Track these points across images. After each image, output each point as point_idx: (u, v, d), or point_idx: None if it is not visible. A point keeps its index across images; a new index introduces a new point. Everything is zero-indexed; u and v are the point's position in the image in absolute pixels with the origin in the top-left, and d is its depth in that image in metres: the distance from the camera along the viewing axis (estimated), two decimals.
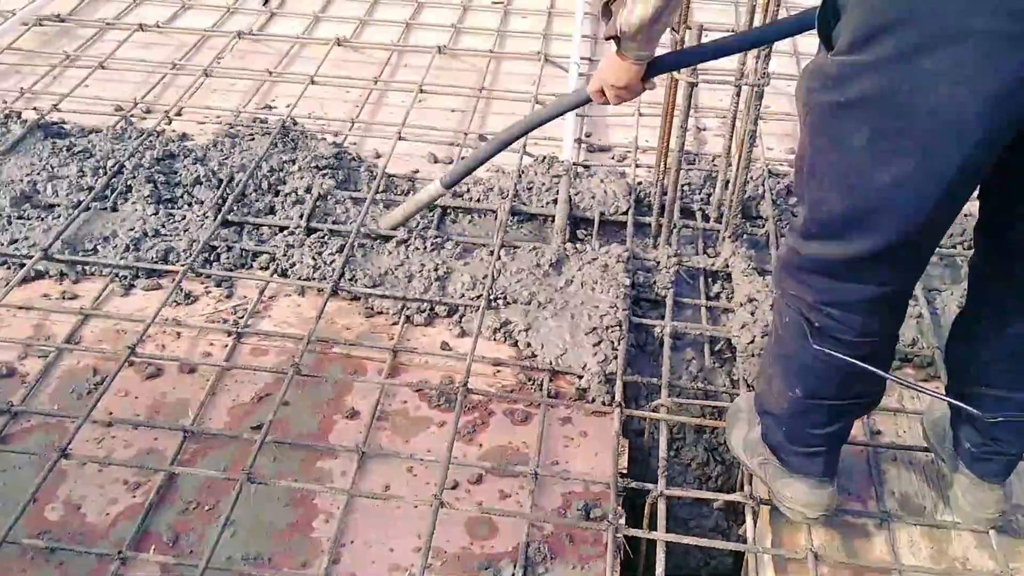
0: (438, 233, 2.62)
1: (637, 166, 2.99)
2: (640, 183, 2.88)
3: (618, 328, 2.29)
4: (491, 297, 2.39)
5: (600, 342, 2.26)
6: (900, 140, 1.33)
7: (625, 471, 2.01)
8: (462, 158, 2.79)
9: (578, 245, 2.59)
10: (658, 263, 2.56)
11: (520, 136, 2.36)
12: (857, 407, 1.76)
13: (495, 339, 2.32)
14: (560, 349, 2.27)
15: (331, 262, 2.48)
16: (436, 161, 3.02)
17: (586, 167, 2.98)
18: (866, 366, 1.58)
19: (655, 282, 2.51)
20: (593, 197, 2.78)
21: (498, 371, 2.25)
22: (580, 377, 2.22)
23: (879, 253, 1.46)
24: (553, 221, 2.69)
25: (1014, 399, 1.69)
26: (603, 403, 2.15)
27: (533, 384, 2.21)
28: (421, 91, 3.36)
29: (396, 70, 3.57)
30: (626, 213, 2.75)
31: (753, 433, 1.90)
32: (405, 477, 1.98)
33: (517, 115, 3.23)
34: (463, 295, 2.41)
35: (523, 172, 2.87)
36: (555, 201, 2.75)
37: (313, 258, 2.49)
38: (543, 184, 2.82)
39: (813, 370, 1.65)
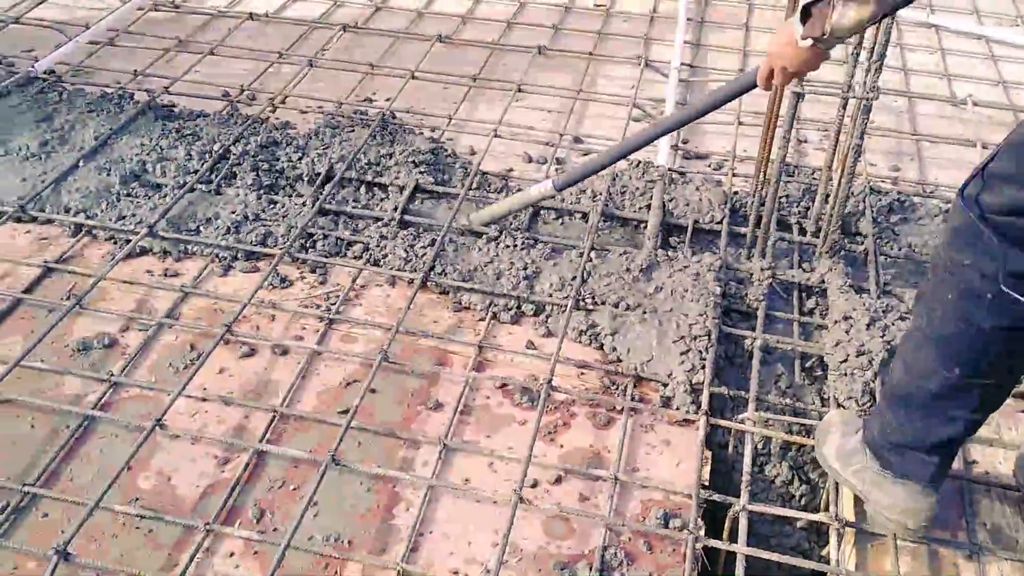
0: (529, 233, 2.63)
1: (734, 175, 2.95)
2: (736, 192, 2.84)
3: (707, 338, 2.26)
4: (579, 298, 2.38)
5: (688, 351, 2.24)
6: None
7: (707, 483, 1.99)
8: (576, 162, 2.76)
9: (670, 252, 2.57)
10: (751, 275, 2.52)
11: (655, 137, 2.35)
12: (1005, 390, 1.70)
13: (580, 341, 2.31)
14: (646, 355, 2.25)
15: (422, 255, 2.51)
16: (530, 160, 3.02)
17: (681, 174, 2.95)
18: None
19: (747, 294, 2.47)
20: (687, 204, 2.75)
21: (582, 373, 2.24)
22: (665, 385, 2.19)
23: None
24: (645, 226, 2.67)
25: None
26: (688, 413, 2.13)
27: (617, 389, 2.20)
28: (519, 90, 3.37)
29: (495, 68, 3.59)
30: (721, 222, 2.71)
31: (850, 443, 1.88)
32: (485, 472, 1.99)
33: (614, 118, 3.23)
34: (551, 295, 2.41)
35: (617, 176, 2.85)
36: (648, 206, 2.73)
37: (405, 250, 2.52)
38: (637, 189, 2.80)
39: (978, 346, 1.59)
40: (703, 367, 2.20)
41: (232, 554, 1.80)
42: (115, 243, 2.56)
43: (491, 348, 2.29)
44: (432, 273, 2.46)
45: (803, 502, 2.13)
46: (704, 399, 2.13)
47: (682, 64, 3.54)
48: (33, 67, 3.28)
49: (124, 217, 2.61)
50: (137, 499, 1.88)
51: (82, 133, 2.91)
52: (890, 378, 1.79)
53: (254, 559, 1.79)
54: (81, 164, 2.76)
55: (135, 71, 3.39)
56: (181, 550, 1.79)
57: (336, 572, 1.78)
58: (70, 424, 2.02)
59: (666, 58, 3.58)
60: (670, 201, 2.77)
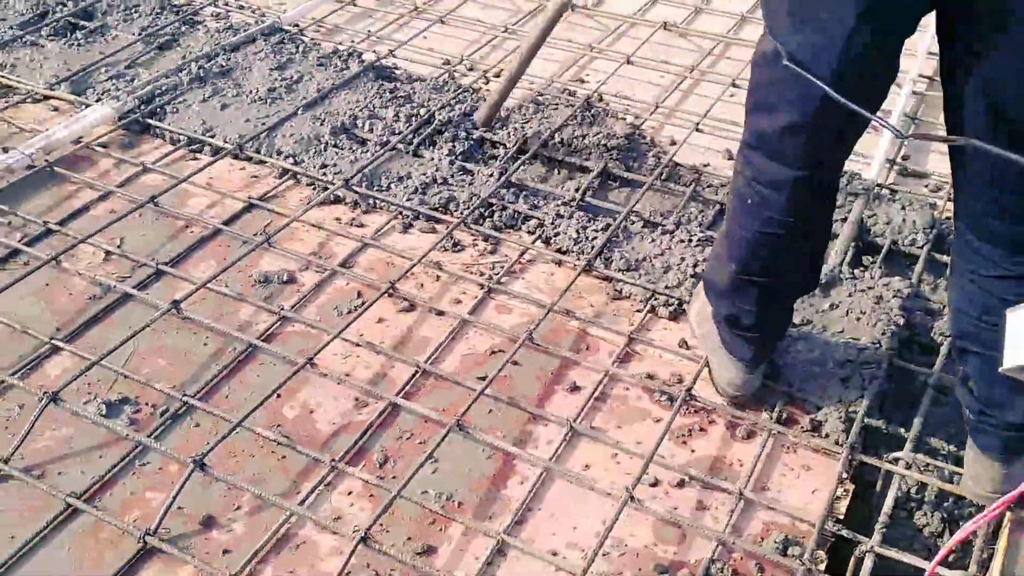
0: (707, 231, 2.54)
1: (950, 200, 2.71)
2: (948, 219, 2.61)
3: (875, 367, 2.10)
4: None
5: (851, 377, 2.09)
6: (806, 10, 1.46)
7: (841, 518, 1.85)
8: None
9: (856, 270, 2.40)
10: (943, 308, 2.31)
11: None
12: (787, 290, 1.90)
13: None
14: (804, 374, 2.12)
15: (593, 238, 2.49)
16: (730, 158, 2.92)
17: (892, 191, 2.74)
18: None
19: (933, 327, 2.26)
20: (888, 223, 2.56)
21: None
22: (818, 408, 2.06)
23: (796, 126, 1.57)
24: (835, 239, 2.51)
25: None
26: (836, 441, 1.99)
27: (765, 404, 2.09)
28: (734, 85, 3.25)
29: (717, 61, 3.49)
30: (922, 247, 2.50)
31: (706, 308, 2.03)
32: (608, 462, 1.96)
33: None
34: None
35: None
36: (844, 220, 2.56)
37: (577, 231, 2.51)
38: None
39: (748, 245, 1.77)
40: (863, 397, 2.04)
41: (350, 492, 1.88)
42: (314, 189, 2.73)
43: (642, 341, 2.24)
44: (599, 259, 2.44)
45: (950, 559, 1.93)
46: (857, 430, 1.99)
47: (920, 76, 3.28)
48: (279, 18, 3.54)
49: (326, 166, 2.77)
50: (279, 426, 2.01)
51: (308, 85, 3.12)
52: (707, 264, 2.05)
53: (368, 501, 1.86)
54: (299, 113, 2.96)
55: (368, 32, 3.58)
56: (305, 480, 1.90)
57: (441, 529, 1.82)
58: (236, 347, 2.18)
59: (903, 68, 3.32)
60: (870, 217, 2.58)
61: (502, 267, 2.45)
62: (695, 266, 2.40)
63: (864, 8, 1.42)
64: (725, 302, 1.93)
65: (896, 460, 1.96)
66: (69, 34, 3.38)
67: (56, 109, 3.02)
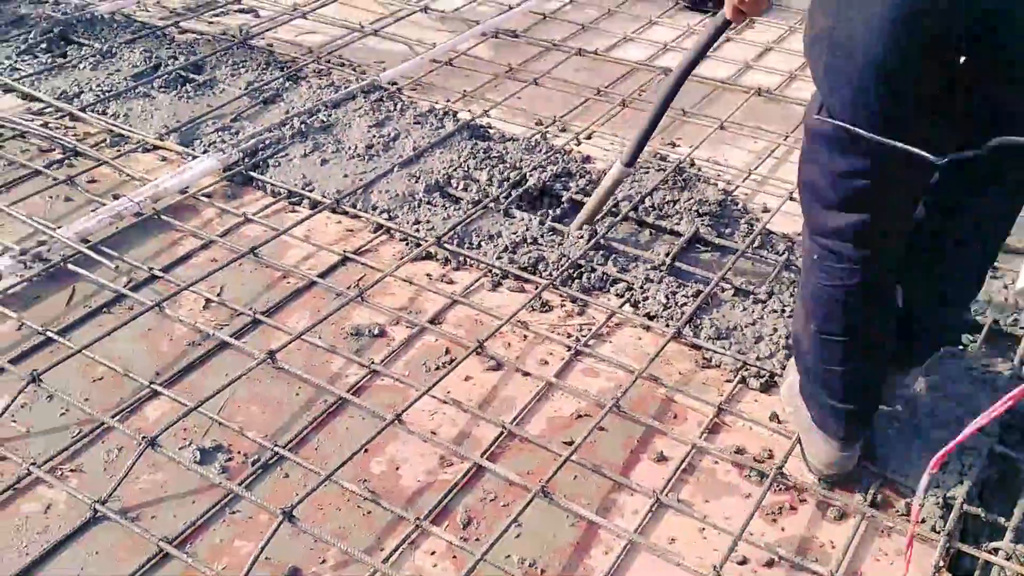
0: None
1: None
2: None
3: (975, 452, 2.03)
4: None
5: (949, 462, 2.02)
6: (842, 68, 1.54)
7: None
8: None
9: (957, 350, 2.33)
10: None
11: (679, 85, 2.51)
12: (871, 353, 1.84)
13: None
14: (901, 456, 2.06)
15: (682, 304, 2.47)
16: None
17: (993, 268, 2.65)
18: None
19: None
20: (989, 302, 2.49)
21: None
22: (914, 492, 1.99)
23: (844, 173, 1.63)
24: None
25: None
26: (933, 528, 1.92)
27: (858, 485, 2.03)
28: None
29: None
30: None
31: (798, 383, 2.02)
32: (694, 536, 1.92)
33: None
34: None
35: None
36: None
37: (667, 296, 2.50)
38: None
39: (821, 301, 1.78)
40: (962, 483, 1.97)
41: (433, 552, 1.88)
42: (406, 244, 2.78)
43: (731, 413, 2.21)
44: (688, 326, 2.42)
45: None
46: (955, 517, 1.91)
47: None
48: (379, 76, 3.64)
49: (419, 223, 2.83)
50: (365, 480, 2.03)
51: (404, 142, 3.19)
52: (791, 329, 2.02)
53: (451, 562, 1.86)
54: (395, 170, 3.03)
55: (464, 91, 3.65)
56: (390, 536, 1.91)
57: None
58: (327, 399, 2.22)
59: None
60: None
61: (589, 329, 2.45)
62: (787, 337, 2.36)
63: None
64: (811, 369, 1.91)
65: (995, 550, 1.88)
66: (179, 87, 3.53)
67: (164, 159, 3.15)
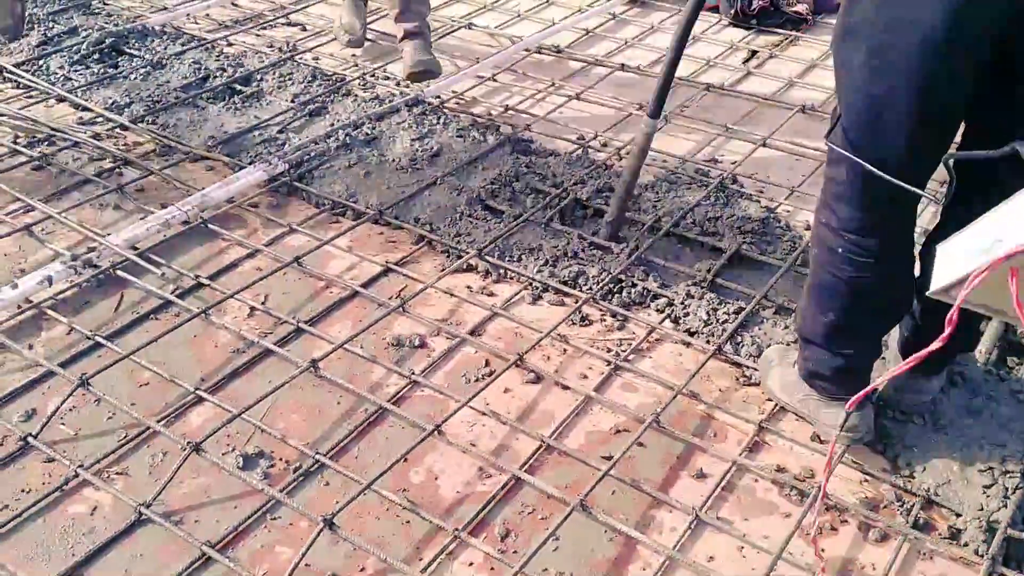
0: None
1: None
2: None
3: (1020, 475, 1.99)
4: (880, 402, 2.21)
5: (993, 484, 1.99)
6: (887, 55, 1.60)
7: None
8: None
9: (1001, 372, 2.30)
10: None
11: (683, 43, 2.55)
12: (883, 327, 2.03)
13: (872, 446, 2.14)
14: (943, 478, 2.03)
15: (723, 321, 2.47)
16: None
17: None
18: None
19: None
20: None
21: (865, 480, 2.07)
22: (958, 515, 1.97)
23: (878, 170, 1.67)
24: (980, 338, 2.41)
25: None
26: (976, 551, 1.89)
27: (901, 506, 2.00)
28: None
29: None
30: None
31: (789, 375, 2.17)
32: (733, 555, 1.91)
33: None
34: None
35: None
36: (988, 319, 2.46)
37: (708, 313, 2.49)
38: None
39: (842, 292, 1.89)
40: (1005, 506, 1.94)
41: (471, 564, 1.89)
42: (448, 256, 2.80)
43: (772, 432, 2.19)
44: (729, 343, 2.41)
45: None
46: (999, 541, 1.88)
47: None
48: (423, 90, 3.67)
49: (461, 235, 2.85)
50: (405, 490, 2.04)
51: (447, 155, 3.22)
52: (796, 319, 2.11)
53: (489, 574, 1.87)
54: (438, 182, 3.06)
55: (506, 106, 3.68)
56: (428, 546, 1.92)
57: None
58: (368, 408, 2.24)
59: None
60: None
61: (629, 344, 2.45)
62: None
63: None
64: (825, 352, 2.02)
65: None
66: (228, 98, 3.60)
67: (212, 168, 3.20)
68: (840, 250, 1.84)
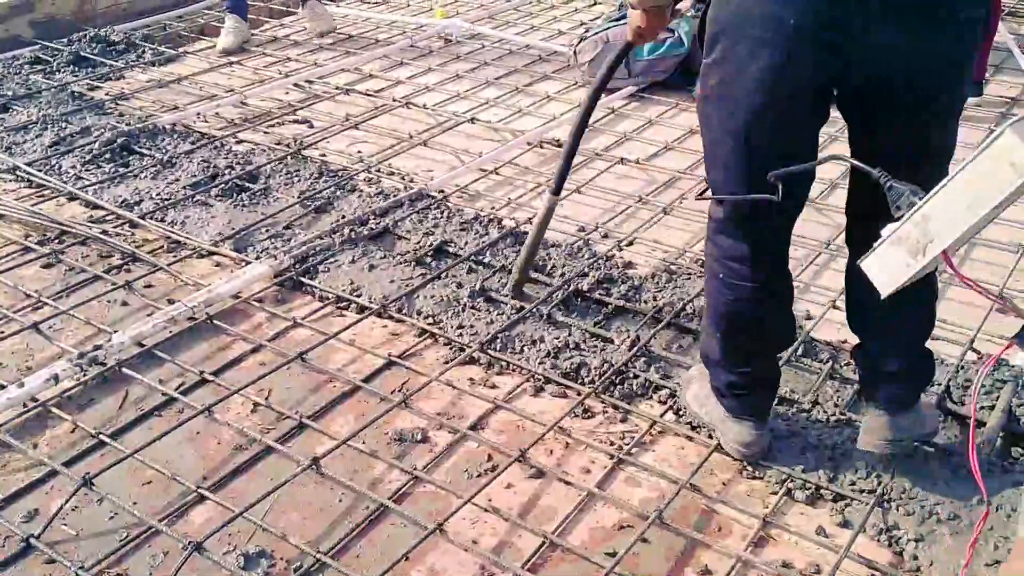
0: (846, 412, 2.48)
1: None
2: None
3: None
4: (885, 495, 2.20)
5: None
6: (732, 115, 1.92)
7: None
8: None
9: (1005, 462, 2.29)
10: None
11: (592, 106, 2.78)
12: (767, 347, 2.27)
13: (878, 540, 2.12)
14: (951, 573, 2.00)
15: None
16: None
17: None
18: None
19: None
20: None
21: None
22: None
23: (742, 208, 2.02)
24: (983, 428, 2.40)
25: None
26: None
27: None
28: None
29: None
30: None
31: (704, 390, 2.38)
32: None
33: (973, 305, 2.97)
34: (854, 483, 2.25)
35: (962, 367, 2.61)
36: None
37: None
38: (982, 386, 2.54)
39: (726, 314, 2.15)
40: None
41: None
42: (450, 349, 2.82)
43: (777, 526, 2.18)
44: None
45: None
46: None
47: None
48: (427, 184, 3.75)
49: (463, 327, 2.87)
50: None
51: (450, 248, 3.27)
52: (700, 341, 2.37)
53: None
54: (441, 276, 3.10)
55: (508, 199, 3.74)
56: None
57: None
58: (369, 505, 2.23)
59: None
60: (1019, 406, 2.47)
61: (632, 437, 2.45)
62: (833, 448, 2.34)
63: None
64: (722, 370, 2.25)
65: None
66: (235, 195, 3.67)
67: (219, 264, 3.25)
68: (722, 275, 2.11)
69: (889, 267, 1.58)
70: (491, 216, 3.55)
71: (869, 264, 1.60)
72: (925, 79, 1.81)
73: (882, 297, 1.67)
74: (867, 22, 1.75)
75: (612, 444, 2.43)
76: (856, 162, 1.80)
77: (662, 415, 2.52)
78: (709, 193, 2.10)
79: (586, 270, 3.14)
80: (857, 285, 2.07)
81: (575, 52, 4.90)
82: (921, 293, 2.06)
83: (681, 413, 2.51)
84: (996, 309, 2.77)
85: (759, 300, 2.11)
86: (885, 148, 1.90)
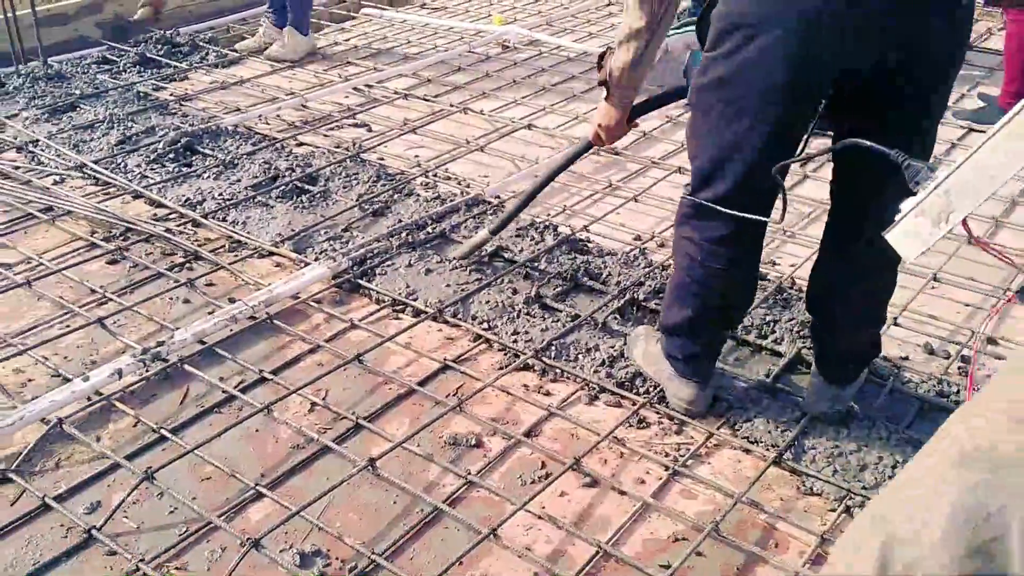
0: (907, 430, 2.44)
1: None
2: None
3: None
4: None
5: None
6: (739, 105, 2.02)
7: None
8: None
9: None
10: None
11: (545, 184, 3.10)
12: (731, 322, 2.54)
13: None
14: None
15: (783, 430, 2.44)
16: (931, 352, 2.82)
17: None
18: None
19: None
20: None
21: None
22: None
23: (731, 194, 2.11)
24: None
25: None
26: None
27: None
28: (935, 280, 3.17)
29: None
30: None
31: (652, 348, 2.58)
32: None
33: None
34: None
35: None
36: None
37: (768, 420, 2.47)
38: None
39: (699, 294, 2.30)
40: None
41: None
42: (505, 354, 2.83)
43: (835, 543, 2.14)
44: (790, 450, 2.38)
45: None
46: None
47: None
48: (483, 190, 3.76)
49: (518, 333, 2.87)
50: None
51: (506, 254, 3.28)
52: (661, 312, 2.50)
53: None
54: (497, 281, 3.11)
55: (564, 206, 3.75)
56: None
57: None
58: (423, 509, 2.24)
59: None
60: None
61: (687, 449, 2.43)
62: (894, 467, 2.30)
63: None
64: (682, 340, 2.42)
65: None
66: (295, 197, 3.72)
67: (279, 265, 3.30)
68: (699, 257, 2.23)
69: (915, 236, 1.71)
70: (547, 222, 3.55)
71: (895, 236, 1.72)
72: (938, 63, 1.97)
73: (907, 263, 1.84)
74: (888, 6, 1.87)
75: (667, 455, 2.41)
76: (874, 144, 1.83)
77: (718, 427, 2.50)
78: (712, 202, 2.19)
79: (642, 279, 3.13)
80: (818, 279, 2.39)
81: None
82: (876, 294, 2.35)
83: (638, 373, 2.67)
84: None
85: (732, 280, 2.27)
86: (885, 133, 1.92)
